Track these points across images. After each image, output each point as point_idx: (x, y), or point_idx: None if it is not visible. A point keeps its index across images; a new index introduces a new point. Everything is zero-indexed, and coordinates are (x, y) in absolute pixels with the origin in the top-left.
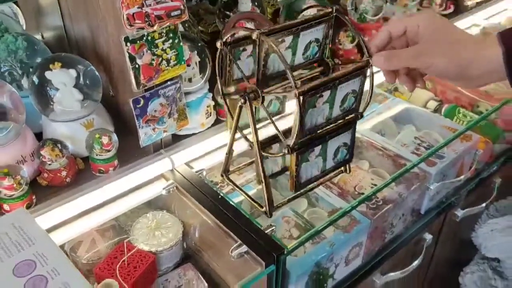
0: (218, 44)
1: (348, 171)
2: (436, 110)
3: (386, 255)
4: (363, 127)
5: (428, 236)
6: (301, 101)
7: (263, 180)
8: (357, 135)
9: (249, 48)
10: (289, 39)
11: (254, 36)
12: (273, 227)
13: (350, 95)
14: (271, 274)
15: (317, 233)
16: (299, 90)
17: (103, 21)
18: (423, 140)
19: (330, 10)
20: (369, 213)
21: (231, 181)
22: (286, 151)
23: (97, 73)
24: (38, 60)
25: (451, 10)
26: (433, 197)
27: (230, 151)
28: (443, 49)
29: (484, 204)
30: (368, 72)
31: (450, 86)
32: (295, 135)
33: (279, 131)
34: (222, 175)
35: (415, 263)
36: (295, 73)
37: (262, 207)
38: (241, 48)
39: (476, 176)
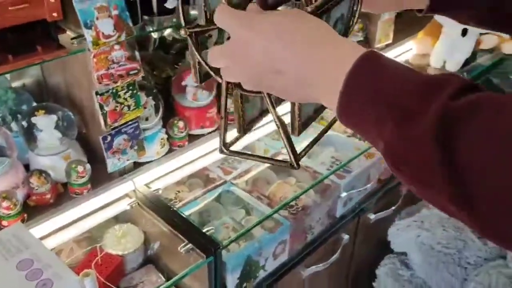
0: (182, 32)
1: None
2: (354, 135)
3: (308, 252)
4: None
5: (345, 236)
6: None
7: (280, 128)
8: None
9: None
10: None
11: None
12: (212, 229)
13: (339, 22)
14: (210, 264)
15: (246, 231)
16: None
17: (77, 79)
18: (338, 159)
19: None
20: (290, 217)
21: (235, 152)
22: None
23: (72, 116)
24: (24, 107)
25: None
26: (346, 204)
27: (225, 115)
28: None
29: (392, 209)
30: None
31: None
32: None
33: None
34: (221, 151)
35: (333, 257)
36: None
37: (286, 162)
38: (206, 35)
39: (383, 186)
